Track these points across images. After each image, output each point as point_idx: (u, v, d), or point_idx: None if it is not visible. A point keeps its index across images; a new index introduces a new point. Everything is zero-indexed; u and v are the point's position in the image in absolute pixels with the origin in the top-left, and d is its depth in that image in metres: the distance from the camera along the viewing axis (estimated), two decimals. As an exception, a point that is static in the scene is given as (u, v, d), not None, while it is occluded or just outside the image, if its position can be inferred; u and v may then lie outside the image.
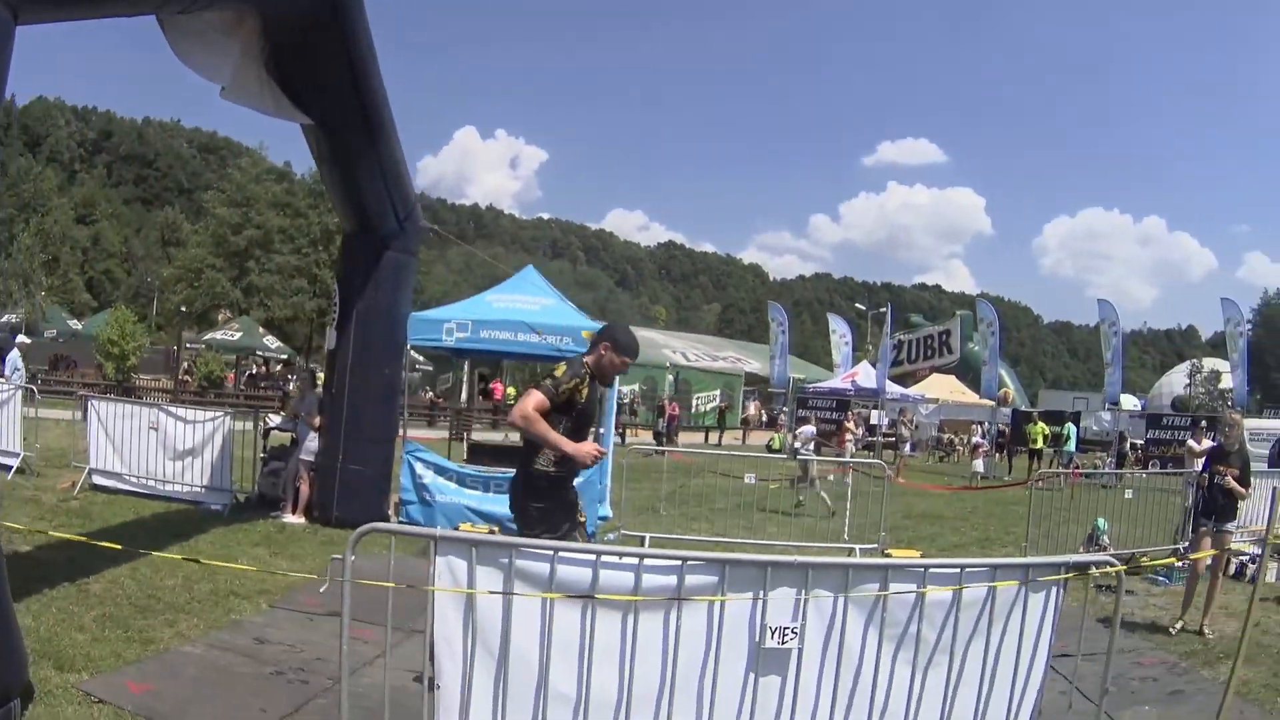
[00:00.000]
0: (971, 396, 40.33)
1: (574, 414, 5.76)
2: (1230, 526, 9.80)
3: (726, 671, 4.03)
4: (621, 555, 4.05)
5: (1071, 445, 29.31)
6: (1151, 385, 69.70)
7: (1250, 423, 27.99)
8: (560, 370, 5.74)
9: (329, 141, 10.97)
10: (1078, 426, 31.43)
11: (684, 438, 38.77)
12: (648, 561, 3.98)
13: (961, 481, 25.21)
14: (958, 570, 4.37)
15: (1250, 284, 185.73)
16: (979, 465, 27.56)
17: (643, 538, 12.42)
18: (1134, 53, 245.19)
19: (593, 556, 3.94)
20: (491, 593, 3.85)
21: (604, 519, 13.36)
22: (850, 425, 28.41)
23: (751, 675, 4.06)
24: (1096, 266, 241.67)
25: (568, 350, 12.70)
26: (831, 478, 25.46)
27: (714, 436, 41.47)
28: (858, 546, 12.60)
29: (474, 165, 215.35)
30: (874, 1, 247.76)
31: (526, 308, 13.30)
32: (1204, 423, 20.89)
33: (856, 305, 49.24)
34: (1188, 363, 62.18)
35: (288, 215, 57.99)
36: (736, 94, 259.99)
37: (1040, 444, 29.46)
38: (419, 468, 12.54)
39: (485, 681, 3.90)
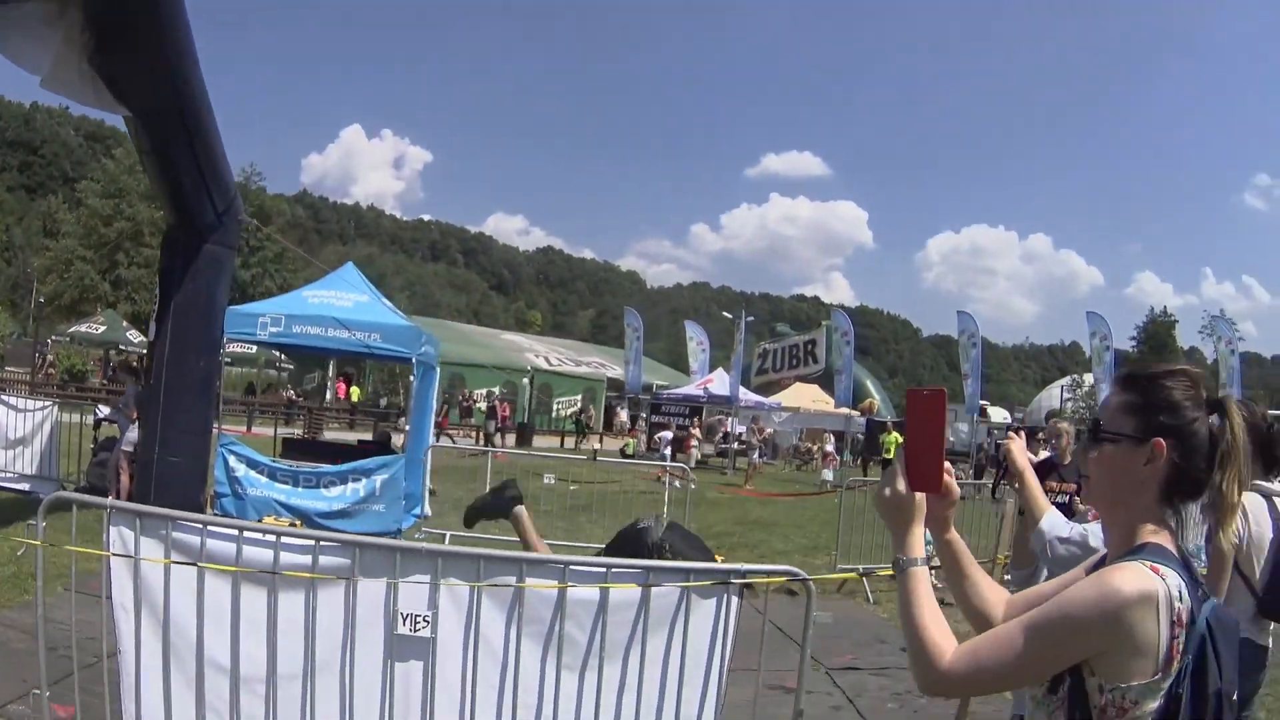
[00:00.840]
0: (832, 405, 41.14)
1: None
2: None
3: (364, 655, 4.05)
4: (265, 533, 4.13)
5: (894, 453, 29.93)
6: (1032, 399, 72.47)
7: None
8: None
9: (148, 134, 10.84)
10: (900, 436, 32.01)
11: (542, 441, 38.86)
12: (287, 540, 4.03)
13: (813, 490, 25.68)
14: (604, 570, 4.30)
15: (1139, 302, 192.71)
16: (828, 474, 27.99)
17: (443, 534, 12.50)
18: (1023, 73, 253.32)
19: (235, 532, 4.00)
20: (149, 560, 3.96)
21: (420, 517, 13.55)
22: (696, 431, 28.81)
23: (389, 661, 4.08)
24: (979, 282, 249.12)
25: (376, 347, 13.23)
26: (679, 484, 25.94)
27: (571, 441, 41.64)
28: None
29: (359, 165, 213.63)
30: (761, 15, 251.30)
31: (339, 304, 13.50)
32: (1021, 430, 20.95)
33: (725, 314, 49.37)
34: (1068, 377, 64.88)
35: (159, 207, 56.62)
36: (624, 104, 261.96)
37: (893, 453, 29.81)
38: (232, 461, 12.58)
39: (155, 648, 3.97)
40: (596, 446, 37.34)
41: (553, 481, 15.27)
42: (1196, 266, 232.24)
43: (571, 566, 4.25)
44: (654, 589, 4.20)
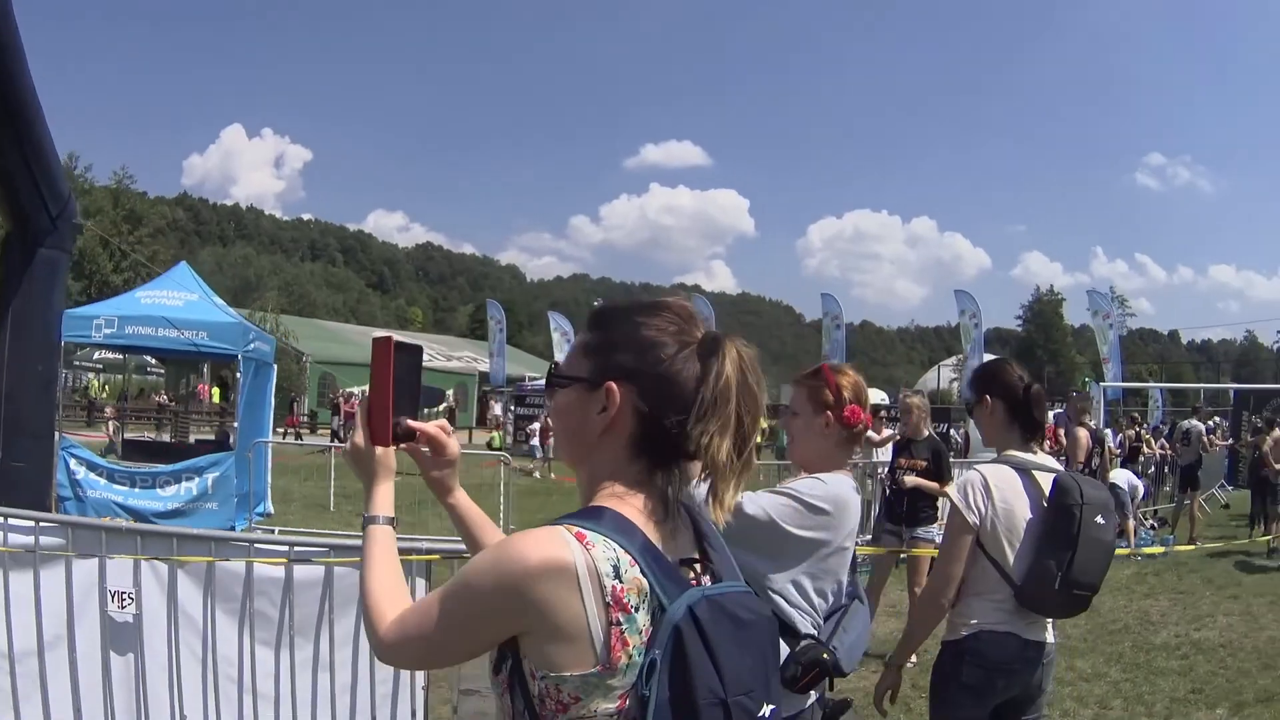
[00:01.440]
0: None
1: None
2: (927, 531, 8.68)
3: (83, 632, 4.28)
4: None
5: (785, 439, 30.72)
6: (918, 380, 72.83)
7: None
8: None
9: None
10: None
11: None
12: (14, 522, 4.31)
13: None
14: (286, 547, 4.50)
15: (1027, 282, 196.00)
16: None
17: (271, 530, 12.71)
18: (903, 57, 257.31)
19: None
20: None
21: (264, 515, 13.80)
22: (550, 421, 29.38)
23: (106, 637, 4.29)
24: (863, 266, 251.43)
25: (203, 345, 13.34)
26: (538, 474, 26.71)
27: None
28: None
29: (239, 165, 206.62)
30: (637, 5, 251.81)
31: (170, 303, 13.67)
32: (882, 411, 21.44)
33: (597, 304, 49.72)
34: (954, 358, 64.22)
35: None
36: (500, 95, 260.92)
37: (759, 438, 30.35)
38: (73, 464, 12.73)
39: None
40: (491, 437, 37.64)
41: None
42: (1087, 246, 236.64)
43: (256, 545, 4.54)
44: (337, 569, 4.37)
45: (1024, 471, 3.72)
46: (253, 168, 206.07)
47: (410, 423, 2.00)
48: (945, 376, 63.53)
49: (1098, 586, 3.62)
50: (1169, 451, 19.27)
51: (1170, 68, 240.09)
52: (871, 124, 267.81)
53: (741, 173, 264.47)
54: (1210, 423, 28.59)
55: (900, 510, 8.77)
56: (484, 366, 53.96)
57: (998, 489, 3.64)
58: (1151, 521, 17.71)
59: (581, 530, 1.58)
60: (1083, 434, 10.96)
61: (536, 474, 26.92)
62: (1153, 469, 20.22)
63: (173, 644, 4.36)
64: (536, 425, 31.98)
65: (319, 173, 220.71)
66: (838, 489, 3.11)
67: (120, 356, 30.07)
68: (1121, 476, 14.80)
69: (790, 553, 2.99)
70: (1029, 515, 3.64)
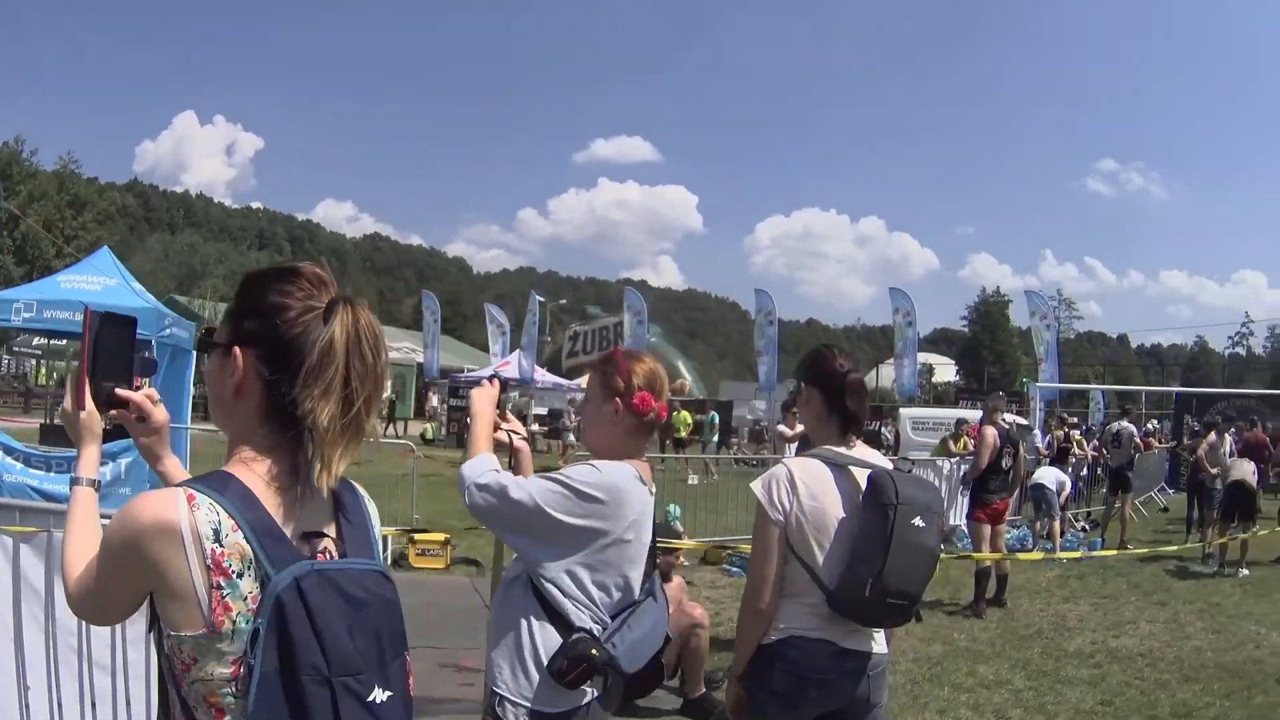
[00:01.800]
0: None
1: None
2: None
3: None
4: None
5: (714, 434, 30.48)
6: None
7: (913, 411, 29.98)
8: None
9: None
10: (719, 416, 32.82)
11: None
12: None
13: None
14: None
15: (974, 283, 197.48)
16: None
17: None
18: (857, 57, 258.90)
19: None
20: None
21: None
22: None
23: None
24: (811, 265, 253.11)
25: None
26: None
27: (381, 428, 41.26)
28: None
29: (191, 151, 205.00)
30: (588, 2, 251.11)
31: (89, 288, 13.29)
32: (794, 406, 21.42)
33: (538, 297, 49.46)
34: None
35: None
36: (451, 88, 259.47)
37: (683, 433, 30.14)
38: None
39: None
40: (391, 431, 37.17)
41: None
42: (1036, 249, 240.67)
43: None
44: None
45: (838, 467, 3.37)
46: (204, 155, 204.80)
47: (120, 391, 2.08)
48: (888, 375, 63.70)
49: (916, 595, 3.27)
50: (1101, 453, 18.93)
51: (1126, 74, 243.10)
52: (823, 124, 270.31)
53: (691, 169, 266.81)
54: (1150, 425, 28.69)
55: None
56: (422, 358, 53.76)
57: (804, 485, 3.32)
58: (1083, 524, 17.41)
59: (193, 492, 1.61)
60: (990, 433, 10.59)
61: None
62: (1085, 470, 19.84)
63: (18, 614, 4.41)
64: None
65: (270, 161, 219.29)
66: (613, 477, 2.95)
67: (64, 342, 29.81)
68: (1049, 475, 14.41)
69: (562, 541, 2.88)
70: (841, 514, 3.31)
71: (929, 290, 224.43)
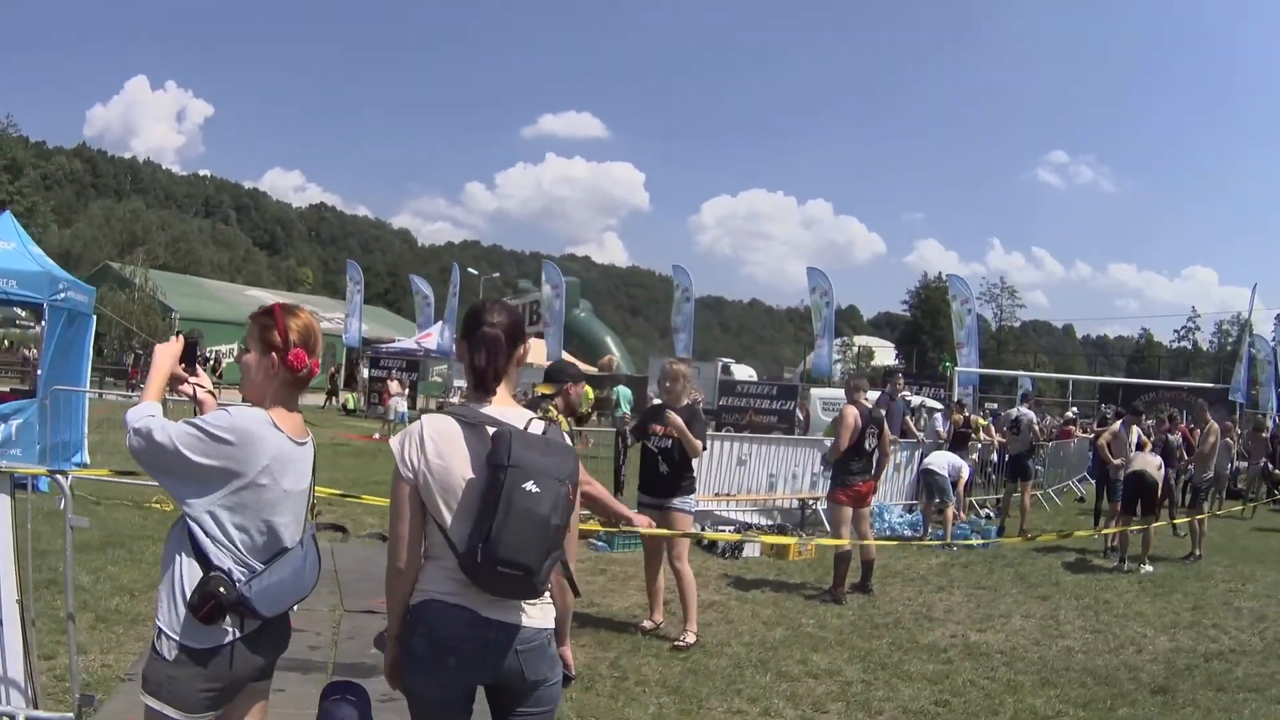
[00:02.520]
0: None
1: None
2: (682, 502, 8.15)
3: None
4: None
5: (624, 409, 29.94)
6: (803, 360, 73.99)
7: (823, 392, 29.47)
8: None
9: None
10: (632, 391, 32.23)
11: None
12: None
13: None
14: None
15: (920, 269, 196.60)
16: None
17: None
18: (807, 40, 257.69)
19: None
20: None
21: (80, 465, 13.58)
22: (393, 385, 28.53)
23: None
24: (755, 245, 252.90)
25: (12, 294, 13.34)
26: (377, 435, 25.67)
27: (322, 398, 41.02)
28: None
29: (141, 117, 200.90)
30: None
31: None
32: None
33: (471, 270, 48.86)
34: (839, 339, 65.13)
35: None
36: (402, 59, 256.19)
37: (584, 408, 29.52)
38: None
39: None
40: (346, 399, 37.02)
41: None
42: (983, 237, 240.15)
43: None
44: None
45: (470, 424, 3.18)
46: (154, 120, 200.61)
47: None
48: (833, 356, 63.95)
49: (530, 566, 2.98)
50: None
51: (1078, 69, 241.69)
52: (772, 106, 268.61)
53: (639, 147, 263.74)
54: (1070, 413, 28.21)
55: (652, 480, 8.26)
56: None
57: (432, 442, 3.16)
58: (988, 511, 16.89)
59: None
60: (851, 412, 9.94)
61: (376, 435, 25.98)
62: (994, 457, 19.31)
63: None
64: (395, 385, 31.18)
65: (220, 128, 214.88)
66: (244, 421, 3.07)
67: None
68: (940, 460, 13.86)
69: (199, 480, 3.01)
70: (469, 474, 3.12)
71: (875, 274, 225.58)
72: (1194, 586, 11.60)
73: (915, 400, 22.19)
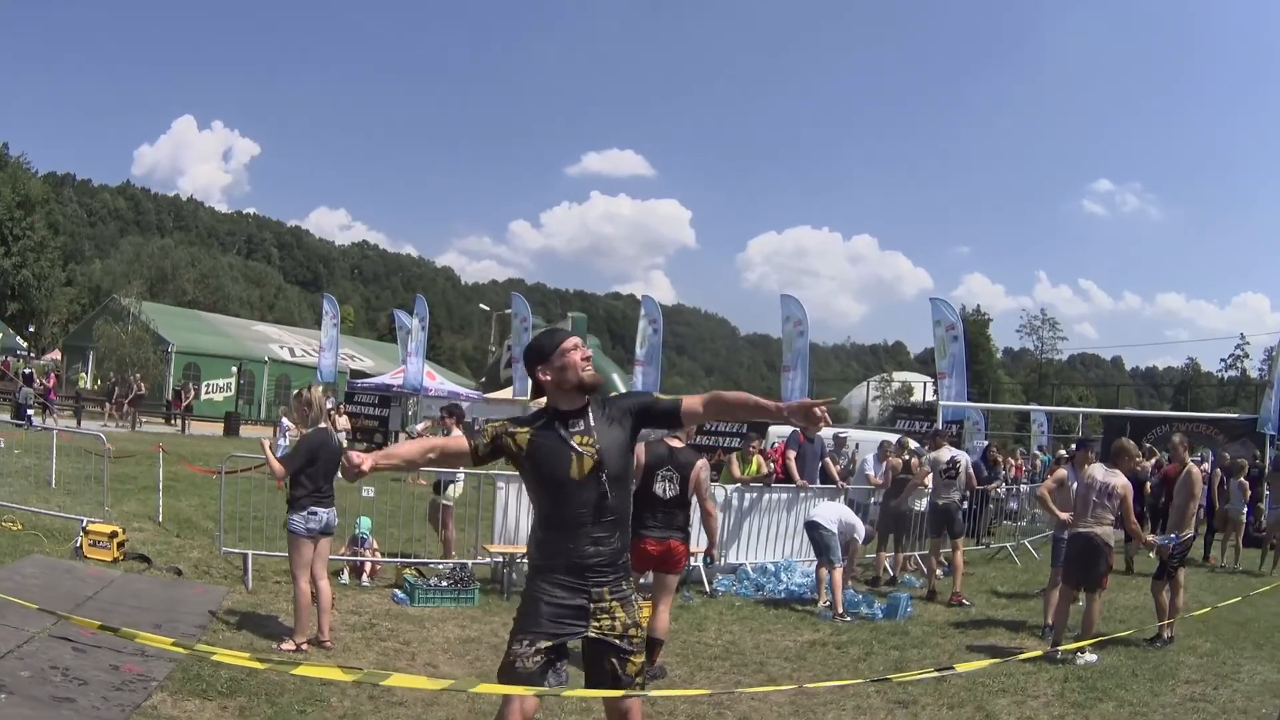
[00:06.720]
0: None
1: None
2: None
3: None
4: None
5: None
6: (845, 396, 72.78)
7: (783, 429, 26.68)
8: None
9: None
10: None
11: (255, 431, 36.19)
12: None
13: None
14: None
15: (969, 303, 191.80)
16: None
17: None
18: (852, 75, 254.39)
19: None
20: None
21: None
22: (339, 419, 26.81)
23: None
24: (802, 282, 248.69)
25: None
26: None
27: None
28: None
29: (188, 156, 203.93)
30: (583, 11, 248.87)
31: None
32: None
33: (507, 311, 47.42)
34: (877, 376, 66.17)
35: None
36: (447, 98, 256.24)
37: None
38: None
39: None
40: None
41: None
42: (1030, 270, 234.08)
43: None
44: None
45: None
46: (201, 160, 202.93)
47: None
48: (872, 393, 65.25)
49: None
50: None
51: (1122, 95, 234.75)
52: (817, 141, 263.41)
53: (684, 184, 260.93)
54: (1064, 451, 24.78)
55: None
56: (356, 364, 54.96)
57: None
58: (909, 574, 13.78)
59: None
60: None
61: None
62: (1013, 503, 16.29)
63: None
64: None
65: (266, 167, 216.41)
66: None
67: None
68: (830, 513, 11.18)
69: None
70: None
71: (922, 310, 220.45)
72: (1142, 690, 8.12)
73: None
